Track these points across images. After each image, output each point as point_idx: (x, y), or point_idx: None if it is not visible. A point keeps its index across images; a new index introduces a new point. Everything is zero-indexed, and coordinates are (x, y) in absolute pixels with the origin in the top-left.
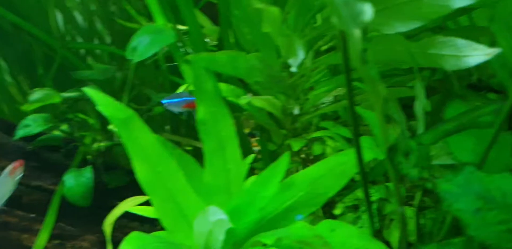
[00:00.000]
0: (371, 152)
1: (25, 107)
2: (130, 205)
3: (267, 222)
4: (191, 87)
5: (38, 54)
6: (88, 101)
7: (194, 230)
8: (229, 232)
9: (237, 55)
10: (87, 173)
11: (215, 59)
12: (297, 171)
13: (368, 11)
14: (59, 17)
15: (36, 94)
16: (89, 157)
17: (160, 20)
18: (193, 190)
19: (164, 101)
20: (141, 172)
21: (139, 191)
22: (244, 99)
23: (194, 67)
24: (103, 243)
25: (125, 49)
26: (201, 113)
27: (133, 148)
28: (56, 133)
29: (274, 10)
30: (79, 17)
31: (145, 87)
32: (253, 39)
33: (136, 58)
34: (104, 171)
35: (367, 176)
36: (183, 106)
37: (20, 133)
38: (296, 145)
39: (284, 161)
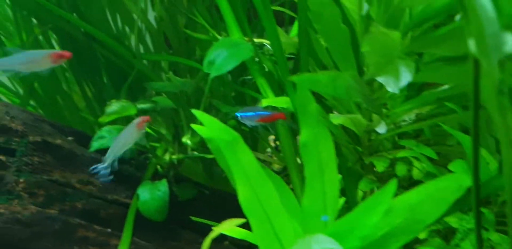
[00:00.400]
0: (467, 177)
1: (102, 119)
2: (227, 227)
3: None
4: (266, 102)
5: (104, 63)
6: (159, 113)
7: None
8: None
9: (337, 76)
10: (162, 187)
11: (317, 80)
12: (371, 191)
13: (510, 42)
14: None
15: (113, 106)
16: (159, 169)
17: (236, 33)
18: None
19: (238, 114)
20: (242, 193)
21: (207, 205)
22: (335, 118)
23: (298, 89)
24: None
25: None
26: (304, 135)
27: (236, 169)
28: None
29: (395, 34)
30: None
31: (214, 99)
32: (333, 54)
33: (213, 72)
34: (174, 184)
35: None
36: (256, 120)
37: (95, 144)
38: (379, 164)
39: (391, 188)
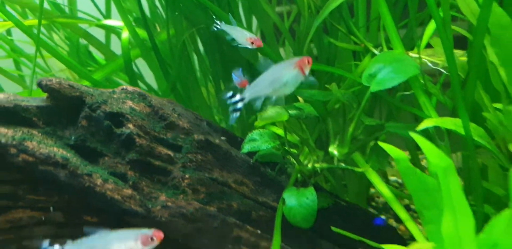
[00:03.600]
0: None
1: (257, 123)
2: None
3: None
4: (431, 122)
5: (246, 65)
6: (304, 120)
7: None
8: None
9: None
10: (310, 195)
11: None
12: None
13: None
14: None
15: (269, 112)
16: (299, 176)
17: (399, 47)
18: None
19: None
20: (446, 223)
21: (340, 216)
22: None
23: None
24: None
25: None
26: None
27: (446, 197)
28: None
29: None
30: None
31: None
32: (509, 80)
33: (375, 86)
34: None
35: None
36: None
37: (247, 147)
38: None
39: None
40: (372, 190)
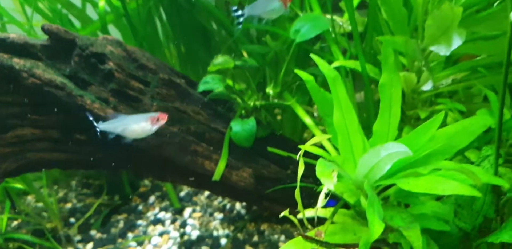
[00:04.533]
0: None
1: (210, 68)
2: (313, 141)
3: (414, 162)
4: (338, 63)
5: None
6: (246, 70)
7: (360, 163)
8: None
9: (408, 40)
10: (251, 122)
11: (395, 41)
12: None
13: None
14: None
15: (219, 59)
16: (243, 112)
17: (317, 9)
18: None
19: None
20: (336, 116)
21: (275, 143)
22: None
23: (384, 46)
24: (256, 176)
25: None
26: (383, 78)
27: (335, 98)
28: (223, 90)
29: (459, 9)
30: None
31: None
32: (394, 30)
33: (299, 38)
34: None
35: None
36: None
37: (201, 87)
38: (422, 114)
39: (437, 119)
40: (305, 135)
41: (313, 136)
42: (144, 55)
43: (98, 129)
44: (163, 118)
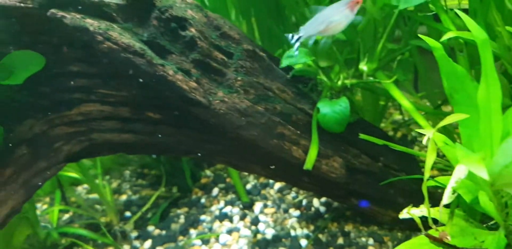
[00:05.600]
0: None
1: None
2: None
3: None
4: (451, 34)
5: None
6: (334, 44)
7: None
8: None
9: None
10: (343, 103)
11: None
12: None
13: None
14: None
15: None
16: (328, 93)
17: None
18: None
19: None
20: (481, 91)
21: (363, 129)
22: None
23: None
24: (347, 167)
25: None
26: None
27: (483, 67)
28: (309, 66)
29: None
30: None
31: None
32: None
33: (403, 4)
34: None
35: None
36: None
37: (285, 62)
38: None
39: None
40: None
41: (393, 121)
42: (226, 23)
43: (299, 41)
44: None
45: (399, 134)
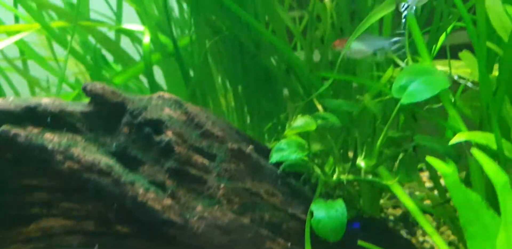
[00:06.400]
0: None
1: (287, 132)
2: None
3: None
4: (462, 136)
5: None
6: (328, 131)
7: None
8: None
9: None
10: (339, 207)
11: None
12: None
13: None
14: None
15: (299, 121)
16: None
17: (427, 59)
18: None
19: None
20: (500, 239)
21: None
22: None
23: None
24: None
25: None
26: None
27: (503, 213)
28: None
29: None
30: None
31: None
32: None
33: (406, 99)
34: None
35: None
36: None
37: (275, 156)
38: None
39: None
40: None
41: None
42: (209, 118)
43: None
44: None
45: (399, 211)
